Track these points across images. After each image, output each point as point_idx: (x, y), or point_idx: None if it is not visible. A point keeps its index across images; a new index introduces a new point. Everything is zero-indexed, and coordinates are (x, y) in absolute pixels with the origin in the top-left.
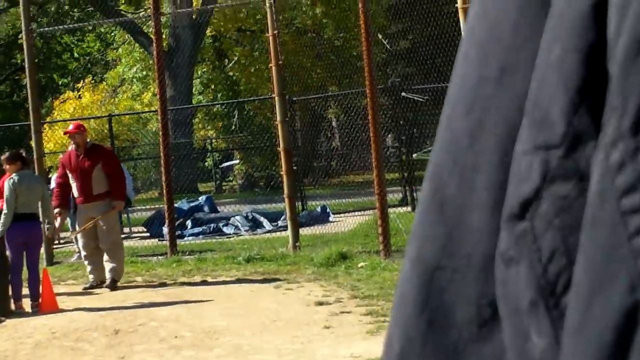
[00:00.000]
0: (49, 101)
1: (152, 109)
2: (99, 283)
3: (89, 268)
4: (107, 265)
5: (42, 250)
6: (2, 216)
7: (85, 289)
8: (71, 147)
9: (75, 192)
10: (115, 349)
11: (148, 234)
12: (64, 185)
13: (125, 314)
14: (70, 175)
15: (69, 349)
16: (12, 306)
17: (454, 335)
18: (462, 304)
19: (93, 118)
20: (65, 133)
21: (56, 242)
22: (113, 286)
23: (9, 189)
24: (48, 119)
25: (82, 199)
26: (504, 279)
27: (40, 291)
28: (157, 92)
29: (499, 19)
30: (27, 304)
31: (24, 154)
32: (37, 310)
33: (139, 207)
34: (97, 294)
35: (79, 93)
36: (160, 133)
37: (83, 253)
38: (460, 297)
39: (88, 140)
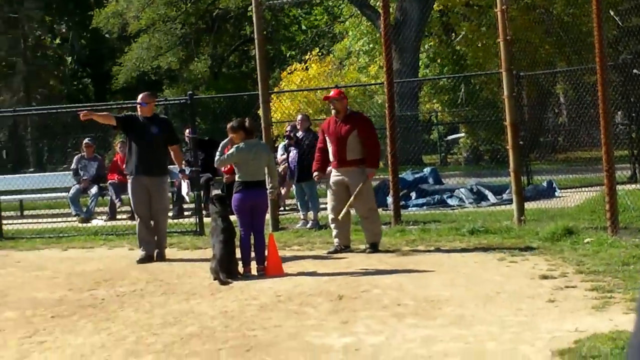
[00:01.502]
0: (277, 72)
1: (378, 81)
2: (342, 248)
3: (334, 232)
4: (365, 231)
5: (268, 216)
6: (222, 161)
7: (329, 252)
8: (333, 112)
9: (330, 156)
10: (338, 314)
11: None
12: (323, 151)
13: (349, 280)
14: (327, 140)
15: (293, 312)
16: (240, 270)
17: None
18: None
19: (319, 89)
20: (325, 98)
21: (281, 209)
22: (373, 250)
23: (230, 152)
24: (275, 90)
25: (336, 163)
26: None
27: (266, 256)
28: (383, 64)
29: None
30: (254, 267)
31: (247, 124)
32: (262, 274)
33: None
34: (322, 260)
35: (306, 65)
36: (386, 105)
37: (330, 216)
38: None
39: (348, 107)
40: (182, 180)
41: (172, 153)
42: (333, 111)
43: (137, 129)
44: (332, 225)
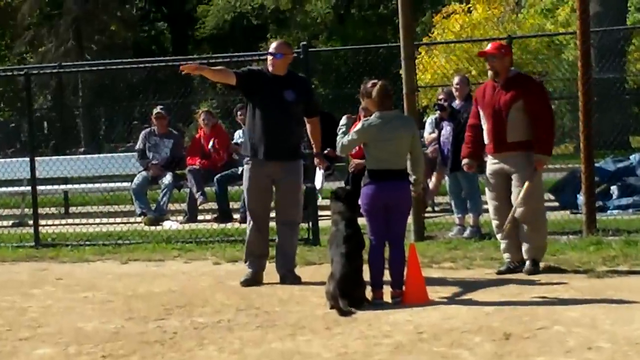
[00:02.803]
0: (427, 15)
1: (570, 30)
2: (516, 265)
3: (502, 244)
4: (524, 242)
5: (410, 220)
6: (346, 144)
7: (500, 272)
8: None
9: (485, 136)
10: None
11: (557, 204)
12: (476, 129)
13: (520, 313)
14: (482, 113)
15: (440, 355)
16: (368, 295)
17: None
18: None
19: (487, 40)
20: (480, 54)
21: (429, 209)
22: (533, 270)
23: (356, 129)
24: (425, 40)
25: (492, 146)
26: None
27: (405, 276)
28: (576, 6)
29: None
30: (387, 292)
31: (385, 87)
32: (399, 301)
33: (545, 167)
34: (484, 284)
35: (469, 6)
36: (579, 64)
37: (494, 222)
38: None
39: (512, 68)
40: (318, 169)
41: (309, 128)
42: (490, 73)
43: (266, 92)
44: (499, 235)
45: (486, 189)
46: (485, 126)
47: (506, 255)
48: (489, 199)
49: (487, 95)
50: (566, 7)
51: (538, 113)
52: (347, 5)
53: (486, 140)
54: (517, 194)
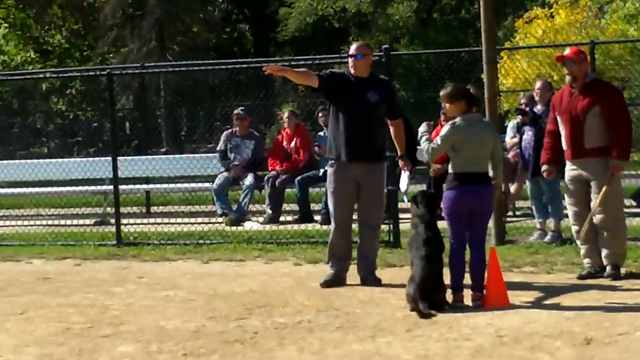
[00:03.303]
0: (510, 20)
1: None
2: (597, 270)
3: (582, 249)
4: (604, 248)
5: (490, 224)
6: (435, 149)
7: (581, 277)
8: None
9: (563, 142)
10: None
11: (638, 210)
12: (554, 134)
13: (601, 318)
14: (559, 120)
15: (520, 359)
16: (449, 298)
17: None
18: None
19: (569, 45)
20: (557, 59)
21: (510, 213)
22: (614, 275)
23: (444, 132)
24: (507, 45)
25: (570, 152)
26: None
27: (486, 279)
28: None
29: None
30: (467, 295)
31: (472, 91)
32: (480, 304)
33: (627, 173)
34: (565, 288)
35: (552, 11)
36: None
37: (574, 227)
38: None
39: (589, 73)
40: (403, 171)
41: (392, 130)
42: (567, 78)
43: (349, 94)
44: (579, 241)
45: (565, 195)
46: (563, 132)
47: (587, 261)
48: (568, 205)
49: (565, 101)
50: None
51: (615, 119)
52: (429, 9)
53: (564, 146)
54: (601, 199)
